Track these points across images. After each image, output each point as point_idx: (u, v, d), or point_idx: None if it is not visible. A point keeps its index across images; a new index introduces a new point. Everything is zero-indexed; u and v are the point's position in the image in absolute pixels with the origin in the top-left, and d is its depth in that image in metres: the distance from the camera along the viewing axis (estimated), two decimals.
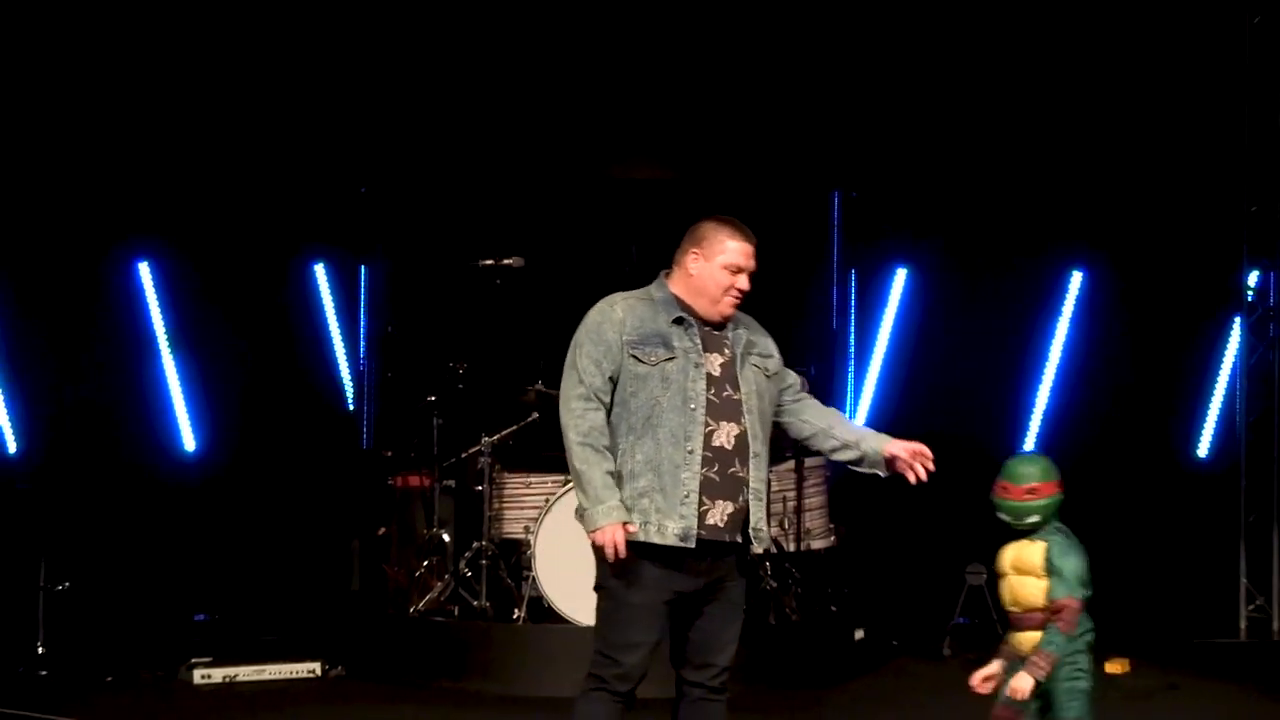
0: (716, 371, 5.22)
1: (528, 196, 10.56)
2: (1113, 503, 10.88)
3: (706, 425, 5.15)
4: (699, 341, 5.23)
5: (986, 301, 11.12)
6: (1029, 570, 5.19)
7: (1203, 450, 11.31)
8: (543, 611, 8.57)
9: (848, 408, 11.34)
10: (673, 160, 10.71)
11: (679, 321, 5.24)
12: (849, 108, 10.76)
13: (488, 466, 8.94)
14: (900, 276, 11.41)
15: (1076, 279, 11.33)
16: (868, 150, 10.94)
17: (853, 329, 11.33)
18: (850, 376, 11.31)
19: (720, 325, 5.31)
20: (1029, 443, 11.36)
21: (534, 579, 8.52)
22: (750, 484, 5.20)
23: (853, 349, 11.32)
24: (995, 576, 5.22)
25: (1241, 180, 10.72)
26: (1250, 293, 10.86)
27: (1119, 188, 11.02)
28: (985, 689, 5.34)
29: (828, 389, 10.89)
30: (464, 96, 10.48)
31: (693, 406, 5.15)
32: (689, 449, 5.13)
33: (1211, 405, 11.29)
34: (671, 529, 5.11)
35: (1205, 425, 11.29)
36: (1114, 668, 9.02)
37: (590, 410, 5.19)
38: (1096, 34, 10.71)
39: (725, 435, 5.17)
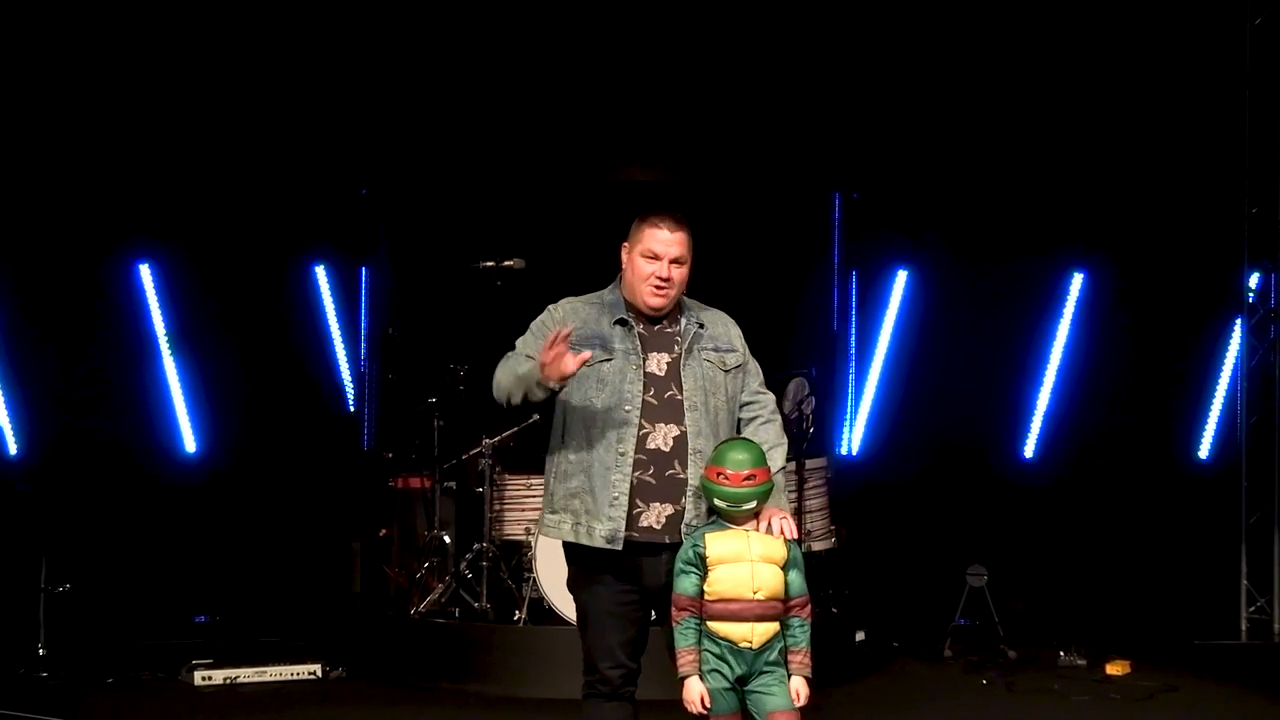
0: (660, 371, 5.20)
1: (529, 198, 10.47)
2: (1113, 504, 10.99)
3: (641, 428, 5.12)
4: (639, 342, 5.20)
5: (987, 303, 11.09)
6: (774, 560, 5.02)
7: (1203, 452, 11.23)
8: (543, 613, 8.51)
9: (848, 410, 11.28)
10: (674, 162, 10.61)
11: (621, 323, 5.23)
12: (850, 109, 10.66)
13: (489, 468, 8.90)
14: (901, 278, 11.31)
15: (1077, 280, 11.27)
16: (869, 151, 10.85)
17: (854, 331, 11.27)
18: (851, 378, 11.24)
19: (671, 321, 5.27)
20: (1030, 445, 11.33)
21: (535, 581, 8.47)
22: (690, 484, 5.13)
23: (854, 351, 11.23)
24: (702, 567, 4.98)
25: (1242, 182, 10.67)
26: (1251, 294, 10.81)
27: (1120, 189, 10.95)
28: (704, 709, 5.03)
29: (828, 391, 10.79)
30: (466, 98, 10.41)
31: (627, 409, 5.13)
32: (620, 451, 5.11)
33: (1212, 407, 11.21)
34: (599, 530, 5.10)
35: (1206, 427, 11.22)
36: (1114, 669, 8.97)
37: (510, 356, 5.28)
38: (1097, 35, 10.65)
39: (662, 437, 5.14)
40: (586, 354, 5.05)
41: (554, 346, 4.96)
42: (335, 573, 10.57)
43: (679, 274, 5.22)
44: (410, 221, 10.75)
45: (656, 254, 5.18)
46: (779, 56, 10.44)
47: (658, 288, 5.19)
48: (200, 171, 10.39)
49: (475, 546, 8.87)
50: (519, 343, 5.32)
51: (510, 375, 5.19)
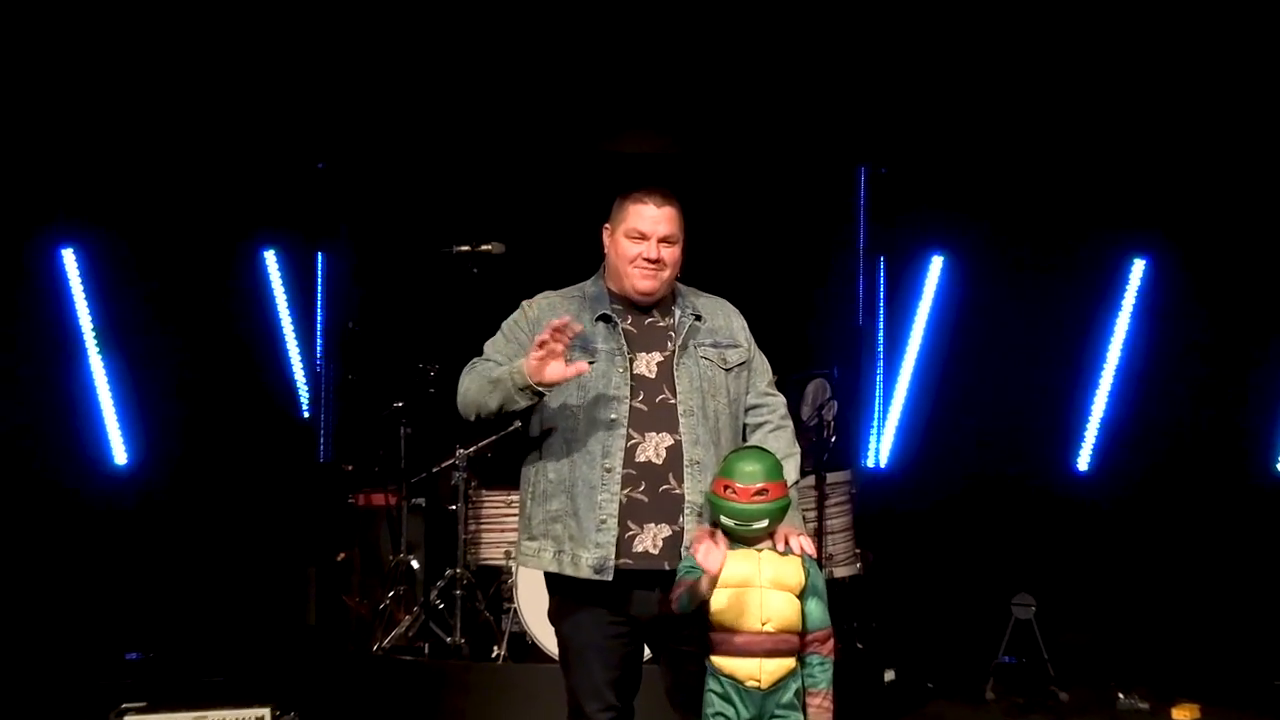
0: (650, 372, 5.06)
1: (509, 172, 10.25)
2: (1180, 525, 10.67)
3: (629, 438, 4.98)
4: (625, 340, 5.08)
5: (1035, 293, 10.72)
6: (788, 587, 4.83)
7: None
8: (525, 649, 8.27)
9: (876, 417, 11.08)
10: (673, 130, 10.37)
11: (604, 319, 5.11)
12: (876, 70, 10.34)
13: (463, 483, 8.67)
14: (936, 264, 10.97)
15: (1139, 268, 10.87)
16: (898, 120, 10.53)
17: (881, 324, 10.97)
18: (879, 379, 10.95)
19: (664, 313, 5.15)
20: (1084, 457, 10.97)
21: (515, 612, 8.25)
22: (689, 500, 4.96)
23: (881, 347, 10.98)
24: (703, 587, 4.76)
25: None
26: None
27: (1188, 164, 10.54)
28: None
29: (853, 395, 10.61)
30: (436, 59, 10.12)
31: (612, 417, 4.98)
32: (606, 467, 4.95)
33: None
34: (585, 559, 4.94)
35: None
36: (1181, 714, 8.70)
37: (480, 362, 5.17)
38: None
39: (654, 448, 4.98)
40: (584, 365, 4.95)
41: (554, 338, 4.80)
42: (288, 603, 10.18)
43: (669, 254, 5.10)
44: (373, 200, 10.45)
45: (643, 233, 5.07)
46: (794, 9, 10.08)
47: (646, 270, 5.07)
48: (133, 142, 10.05)
49: (447, 573, 8.62)
50: (488, 346, 5.21)
51: (482, 381, 5.04)
